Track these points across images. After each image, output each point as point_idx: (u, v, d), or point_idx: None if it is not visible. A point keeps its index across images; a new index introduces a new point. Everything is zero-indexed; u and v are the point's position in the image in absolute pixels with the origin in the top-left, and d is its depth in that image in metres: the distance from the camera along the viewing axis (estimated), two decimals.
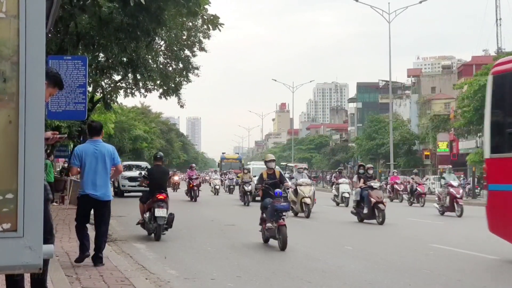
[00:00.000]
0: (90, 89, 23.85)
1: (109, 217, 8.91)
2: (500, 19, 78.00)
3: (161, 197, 12.68)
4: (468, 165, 54.28)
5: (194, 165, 35.48)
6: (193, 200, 29.66)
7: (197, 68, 29.99)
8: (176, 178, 44.87)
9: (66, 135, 6.49)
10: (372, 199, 17.81)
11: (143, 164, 39.05)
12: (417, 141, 70.27)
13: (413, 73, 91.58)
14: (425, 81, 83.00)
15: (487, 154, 10.74)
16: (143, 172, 15.50)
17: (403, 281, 8.31)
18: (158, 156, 14.35)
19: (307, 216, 19.71)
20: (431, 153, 63.28)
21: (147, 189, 13.66)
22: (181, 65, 29.53)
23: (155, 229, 12.58)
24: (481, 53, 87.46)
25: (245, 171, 29.86)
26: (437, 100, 71.61)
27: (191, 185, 30.27)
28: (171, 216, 12.93)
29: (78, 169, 8.52)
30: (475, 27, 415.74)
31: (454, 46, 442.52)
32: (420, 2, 43.95)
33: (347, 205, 26.04)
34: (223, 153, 71.55)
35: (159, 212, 12.38)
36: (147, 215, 12.86)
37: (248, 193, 27.10)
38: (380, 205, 17.69)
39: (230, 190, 41.26)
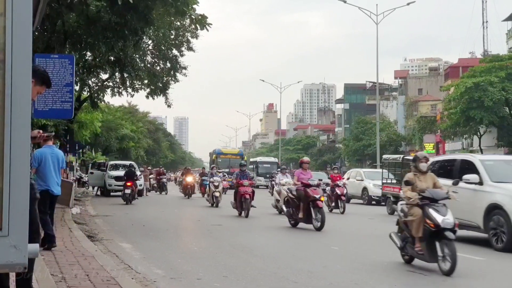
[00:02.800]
0: (77, 88, 23.74)
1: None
2: (487, 22, 78.83)
3: (128, 184, 26.29)
4: None
5: (307, 159, 18.35)
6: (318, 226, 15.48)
7: (185, 68, 29.96)
8: (189, 179, 33.41)
9: (53, 133, 6.51)
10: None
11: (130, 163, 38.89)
12: (403, 143, 70.63)
13: (400, 74, 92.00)
14: (412, 82, 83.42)
15: None
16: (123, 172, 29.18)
17: (388, 281, 8.34)
18: (129, 164, 31.27)
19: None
20: None
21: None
22: (168, 65, 29.48)
23: (126, 199, 25.78)
24: (467, 55, 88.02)
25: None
26: (423, 102, 71.99)
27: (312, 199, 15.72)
28: (133, 192, 26.41)
29: (35, 169, 9.98)
30: (462, 30, 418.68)
31: (441, 48, 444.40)
32: (408, 4, 44.19)
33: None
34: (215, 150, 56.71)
35: (127, 191, 26.01)
36: (123, 192, 26.30)
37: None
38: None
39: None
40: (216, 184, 25.70)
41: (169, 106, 31.32)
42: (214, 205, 25.20)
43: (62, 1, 14.54)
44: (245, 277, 8.42)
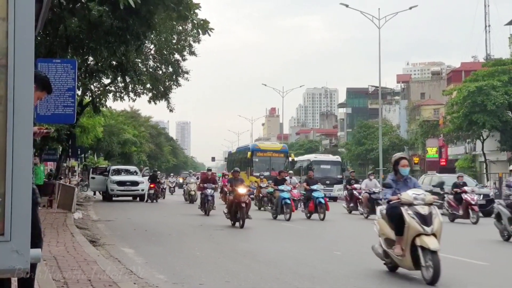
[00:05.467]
0: (79, 92, 23.74)
1: None
2: (489, 25, 78.67)
3: (152, 186, 32.92)
4: (457, 171, 54.57)
5: None
6: None
7: (187, 72, 30.00)
8: (242, 191, 18.03)
9: (52, 129, 6.51)
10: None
11: (132, 168, 38.92)
12: (406, 147, 70.54)
13: (403, 78, 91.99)
14: (414, 86, 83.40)
15: None
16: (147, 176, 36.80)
17: (391, 287, 8.31)
18: (154, 170, 40.08)
19: None
20: (420, 158, 63.51)
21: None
22: (171, 69, 29.54)
23: (151, 198, 32.82)
24: (470, 59, 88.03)
25: None
26: (426, 106, 71.97)
27: None
28: (156, 192, 33.16)
29: None
30: (465, 34, 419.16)
31: (444, 52, 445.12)
32: (410, 8, 44.16)
33: None
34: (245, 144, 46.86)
35: (150, 191, 32.83)
36: (148, 192, 33.53)
37: None
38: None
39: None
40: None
41: (171, 110, 31.38)
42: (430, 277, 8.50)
43: (64, 6, 14.57)
44: (247, 282, 8.40)
